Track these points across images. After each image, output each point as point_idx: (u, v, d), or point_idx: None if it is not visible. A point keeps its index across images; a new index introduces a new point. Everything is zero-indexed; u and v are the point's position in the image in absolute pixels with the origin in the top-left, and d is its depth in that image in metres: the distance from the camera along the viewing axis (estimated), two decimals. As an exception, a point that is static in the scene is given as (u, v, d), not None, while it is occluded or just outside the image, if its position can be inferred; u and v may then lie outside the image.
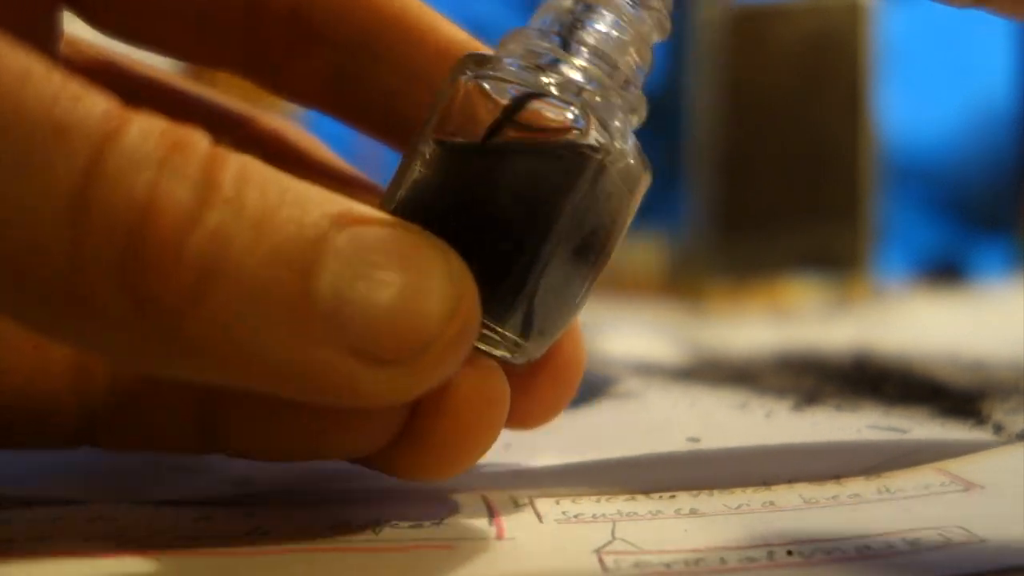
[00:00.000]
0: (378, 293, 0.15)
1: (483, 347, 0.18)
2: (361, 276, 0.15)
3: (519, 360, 0.19)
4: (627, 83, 0.19)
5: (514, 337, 0.18)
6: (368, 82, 0.22)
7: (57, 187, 0.14)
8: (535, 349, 0.19)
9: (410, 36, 0.22)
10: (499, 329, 0.18)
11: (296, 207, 0.15)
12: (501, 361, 0.19)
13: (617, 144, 0.18)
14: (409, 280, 0.16)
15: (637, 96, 0.19)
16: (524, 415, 0.21)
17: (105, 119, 0.14)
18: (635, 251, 0.74)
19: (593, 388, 0.33)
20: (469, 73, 0.19)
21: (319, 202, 0.16)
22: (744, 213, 0.76)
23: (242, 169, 0.15)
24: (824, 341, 0.47)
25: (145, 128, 0.15)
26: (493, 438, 0.18)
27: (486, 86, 0.18)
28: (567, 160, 0.18)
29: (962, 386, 0.33)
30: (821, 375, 0.36)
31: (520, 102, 0.18)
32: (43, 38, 0.22)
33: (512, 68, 0.19)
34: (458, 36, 0.22)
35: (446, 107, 0.19)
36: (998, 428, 0.26)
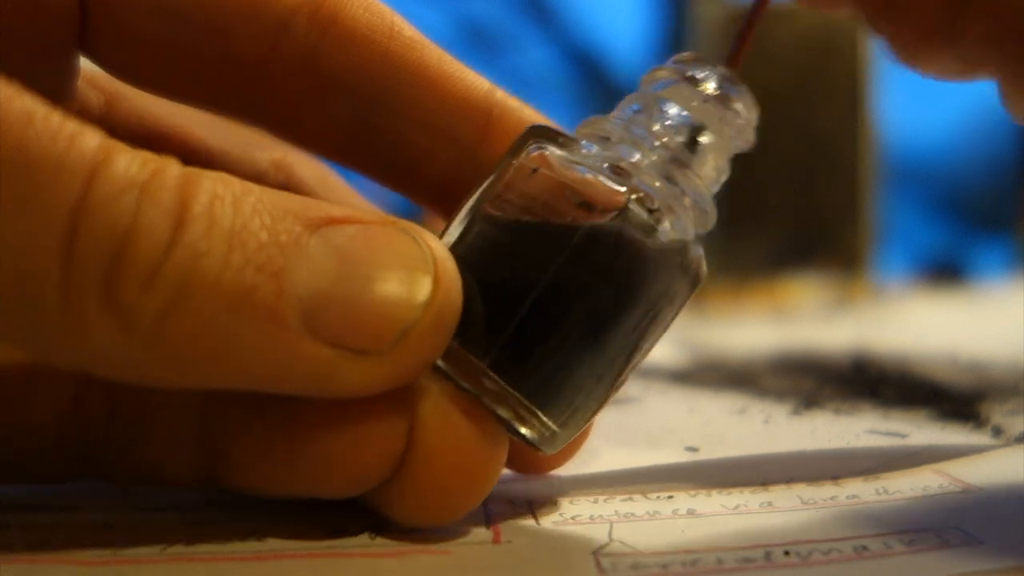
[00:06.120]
0: (352, 287, 0.16)
1: (509, 417, 0.18)
2: (334, 272, 0.16)
3: (542, 441, 0.18)
4: (699, 191, 0.19)
5: (548, 421, 0.18)
6: (387, 133, 0.22)
7: (54, 218, 0.15)
8: (562, 436, 0.18)
9: (430, 86, 0.21)
10: (536, 409, 0.18)
11: (268, 216, 0.16)
12: (528, 443, 0.18)
13: (675, 241, 0.18)
14: (382, 272, 0.16)
15: (708, 205, 0.19)
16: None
17: (96, 152, 0.15)
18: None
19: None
20: (541, 148, 0.18)
21: (293, 210, 0.16)
22: (744, 213, 0.76)
23: (214, 187, 0.16)
24: (824, 341, 0.47)
25: (130, 156, 0.15)
26: (485, 492, 0.18)
27: (557, 165, 0.18)
28: (632, 256, 0.18)
29: (961, 388, 0.33)
30: (820, 377, 0.36)
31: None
32: (60, 76, 0.22)
33: (590, 155, 0.18)
34: (480, 86, 0.21)
35: (506, 177, 0.18)
36: (997, 431, 0.26)
